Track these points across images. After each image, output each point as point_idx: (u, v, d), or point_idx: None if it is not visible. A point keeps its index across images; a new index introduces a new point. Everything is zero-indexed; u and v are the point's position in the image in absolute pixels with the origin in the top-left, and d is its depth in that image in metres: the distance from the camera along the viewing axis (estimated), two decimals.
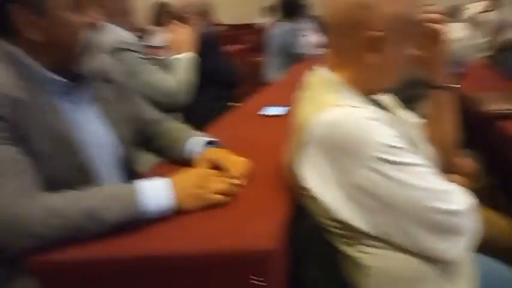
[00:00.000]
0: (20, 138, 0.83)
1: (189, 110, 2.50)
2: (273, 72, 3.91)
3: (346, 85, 0.87)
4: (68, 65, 0.95)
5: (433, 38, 0.92)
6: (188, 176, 0.89)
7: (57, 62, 0.93)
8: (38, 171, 0.84)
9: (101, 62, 1.01)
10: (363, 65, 0.85)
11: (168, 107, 1.66)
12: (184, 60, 1.78)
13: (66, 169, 0.91)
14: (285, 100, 1.82)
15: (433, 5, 0.91)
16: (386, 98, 1.01)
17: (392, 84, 0.92)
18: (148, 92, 1.53)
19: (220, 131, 1.47)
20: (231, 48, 4.37)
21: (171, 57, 1.82)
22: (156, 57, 1.88)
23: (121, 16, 1.66)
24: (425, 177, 0.78)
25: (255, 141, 1.33)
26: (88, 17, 0.93)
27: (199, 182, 0.88)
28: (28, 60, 0.90)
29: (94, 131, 1.01)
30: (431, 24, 0.90)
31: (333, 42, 0.88)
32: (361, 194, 0.77)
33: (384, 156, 0.75)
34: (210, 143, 1.12)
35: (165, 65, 1.79)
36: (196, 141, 1.10)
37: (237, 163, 1.02)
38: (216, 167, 1.01)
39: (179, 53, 1.80)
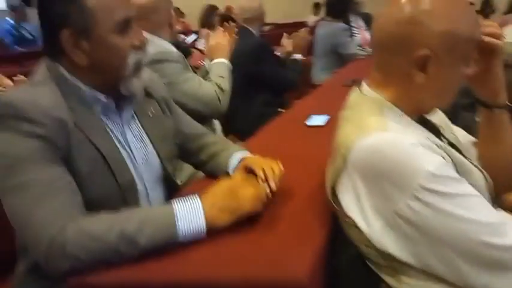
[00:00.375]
0: (62, 159, 0.85)
1: (238, 115, 2.52)
2: (321, 73, 3.82)
3: (390, 105, 0.81)
4: (114, 85, 0.95)
5: (489, 53, 0.84)
6: (217, 191, 0.87)
7: (102, 83, 0.94)
8: (79, 191, 0.86)
9: (144, 77, 1.00)
10: (410, 84, 0.78)
11: (207, 115, 1.67)
12: (219, 67, 1.75)
13: (107, 189, 0.92)
14: (332, 107, 1.77)
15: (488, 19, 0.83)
16: (435, 115, 0.94)
17: (443, 104, 0.85)
18: (186, 101, 1.54)
19: (263, 142, 1.45)
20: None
21: (207, 64, 1.82)
22: (201, 62, 1.88)
23: (163, 27, 1.66)
24: (475, 209, 0.71)
25: (298, 155, 1.28)
26: (134, 38, 0.93)
27: (229, 194, 0.85)
28: (73, 79, 0.92)
29: (136, 148, 1.02)
30: (488, 39, 0.82)
31: (378, 58, 0.83)
32: (403, 224, 0.72)
33: (431, 185, 0.70)
34: None
35: (205, 73, 1.80)
36: (233, 158, 1.09)
37: (269, 164, 0.99)
38: (250, 172, 0.99)
39: (214, 59, 1.78)
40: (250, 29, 2.59)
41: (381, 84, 0.83)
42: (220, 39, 1.81)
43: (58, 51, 0.90)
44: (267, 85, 2.56)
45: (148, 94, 1.09)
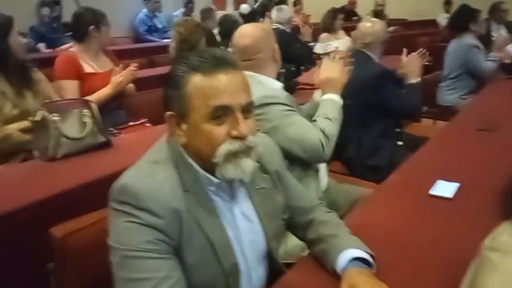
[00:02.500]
0: (174, 249, 0.86)
1: (351, 144, 2.38)
2: (448, 94, 3.44)
3: None
4: (213, 168, 0.92)
5: None
6: None
7: (204, 164, 0.93)
8: (186, 281, 0.86)
9: (247, 166, 0.92)
10: None
11: (309, 161, 1.58)
12: (329, 105, 1.60)
13: (212, 275, 0.91)
14: (464, 169, 1.55)
15: None
16: None
17: None
18: (290, 146, 1.48)
19: (369, 220, 1.25)
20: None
21: (317, 97, 1.70)
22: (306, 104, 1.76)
23: (268, 64, 1.60)
24: None
25: (415, 245, 1.12)
26: (233, 128, 0.87)
27: None
28: (189, 158, 0.92)
29: (244, 226, 0.99)
30: None
31: None
32: None
33: None
34: (358, 258, 0.98)
35: (312, 109, 1.67)
36: (343, 256, 0.98)
37: None
38: None
39: (324, 93, 1.64)
40: (370, 54, 2.39)
41: None
42: (332, 72, 1.66)
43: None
44: (385, 113, 2.35)
45: (262, 168, 1.04)
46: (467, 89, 3.35)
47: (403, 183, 1.51)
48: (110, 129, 2.21)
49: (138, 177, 0.88)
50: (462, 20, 3.41)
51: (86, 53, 2.36)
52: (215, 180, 0.92)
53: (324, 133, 1.51)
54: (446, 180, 1.45)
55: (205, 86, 0.86)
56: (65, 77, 2.25)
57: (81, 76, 2.30)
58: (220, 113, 0.87)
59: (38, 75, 2.07)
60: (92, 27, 2.34)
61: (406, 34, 6.57)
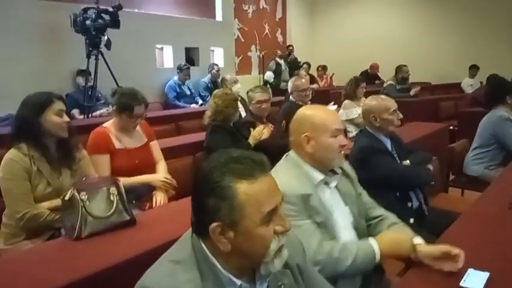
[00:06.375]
0: None
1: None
2: (474, 164, 3.37)
3: None
4: (252, 268, 0.95)
5: None
6: None
7: (241, 266, 0.94)
8: None
9: (285, 255, 0.96)
10: None
11: None
12: (365, 251, 1.46)
13: None
14: (494, 256, 1.47)
15: None
16: None
17: None
18: None
19: None
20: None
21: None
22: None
23: (302, 149, 1.57)
24: None
25: None
26: (278, 224, 0.92)
27: None
28: (214, 260, 0.93)
29: None
30: None
31: None
32: None
33: None
34: None
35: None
36: None
37: None
38: None
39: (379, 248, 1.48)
40: (371, 130, 2.39)
41: None
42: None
43: (205, 234, 0.91)
44: (388, 188, 2.23)
45: (285, 265, 1.03)
46: (496, 161, 3.29)
47: (433, 270, 1.44)
48: (134, 202, 2.25)
49: (160, 280, 0.89)
50: (499, 93, 3.40)
51: (116, 128, 2.45)
52: (237, 282, 0.93)
53: (332, 255, 1.41)
54: (477, 269, 1.39)
55: (256, 193, 0.88)
56: (96, 151, 2.33)
57: (111, 151, 2.37)
58: (271, 216, 0.90)
59: (82, 153, 2.14)
60: (114, 107, 2.44)
61: (430, 99, 6.55)
